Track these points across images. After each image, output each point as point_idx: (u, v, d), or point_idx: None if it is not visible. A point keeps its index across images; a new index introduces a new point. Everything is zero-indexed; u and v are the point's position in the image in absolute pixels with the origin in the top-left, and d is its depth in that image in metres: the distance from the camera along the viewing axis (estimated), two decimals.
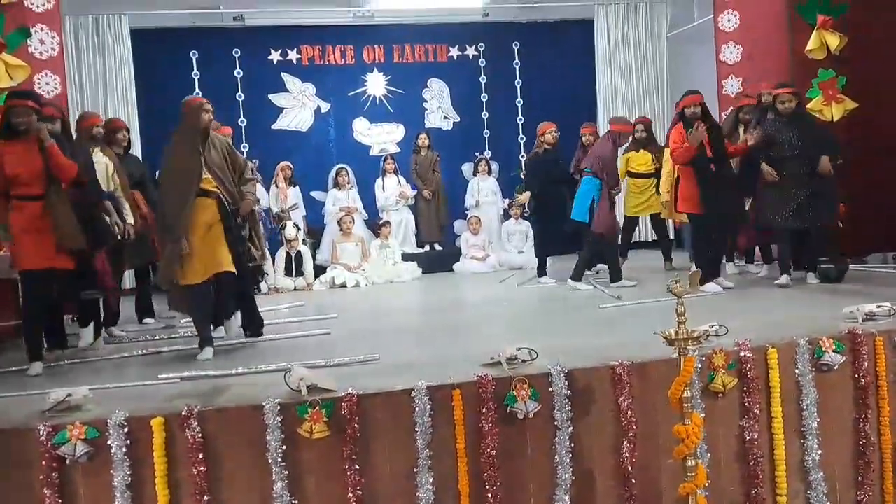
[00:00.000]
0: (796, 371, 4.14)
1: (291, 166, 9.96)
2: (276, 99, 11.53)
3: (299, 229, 9.47)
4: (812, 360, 4.16)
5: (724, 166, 6.64)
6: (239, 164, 5.38)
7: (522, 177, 8.90)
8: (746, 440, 4.04)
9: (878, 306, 4.56)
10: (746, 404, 4.04)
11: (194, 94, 10.71)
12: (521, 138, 12.33)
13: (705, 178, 6.55)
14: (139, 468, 3.49)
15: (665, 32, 11.99)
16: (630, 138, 8.36)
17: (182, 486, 3.53)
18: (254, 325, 5.63)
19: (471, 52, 12.16)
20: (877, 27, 7.26)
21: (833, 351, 4.17)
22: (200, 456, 3.49)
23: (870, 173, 6.87)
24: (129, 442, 3.46)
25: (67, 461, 3.44)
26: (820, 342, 4.18)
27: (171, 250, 5.03)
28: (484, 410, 3.69)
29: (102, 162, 6.19)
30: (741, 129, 7.27)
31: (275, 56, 11.48)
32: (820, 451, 4.13)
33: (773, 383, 4.09)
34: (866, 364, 4.23)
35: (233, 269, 5.14)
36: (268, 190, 9.64)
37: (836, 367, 4.19)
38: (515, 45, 12.29)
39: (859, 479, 4.26)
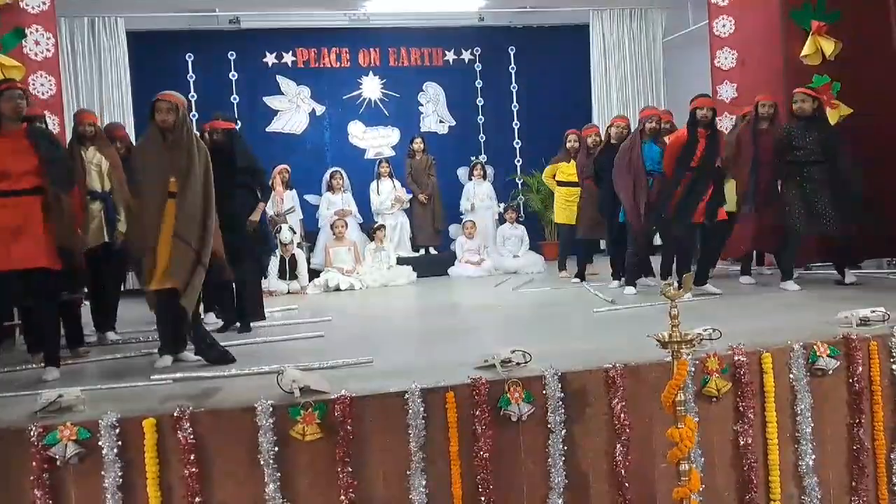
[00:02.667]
0: (791, 376, 4.13)
1: (289, 169, 9.94)
2: (271, 101, 11.54)
3: (295, 233, 9.45)
4: (806, 365, 4.15)
5: (702, 179, 6.62)
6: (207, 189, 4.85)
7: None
8: (741, 445, 4.04)
9: (873, 311, 4.54)
10: (741, 409, 4.04)
11: (187, 94, 10.76)
12: (517, 143, 12.35)
13: (677, 185, 6.58)
14: (131, 469, 3.47)
15: (660, 37, 12.00)
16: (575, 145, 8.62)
17: (174, 488, 3.51)
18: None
19: (466, 56, 12.18)
20: (871, 32, 7.27)
21: (827, 356, 4.17)
22: (192, 457, 3.47)
23: (864, 179, 6.88)
24: (120, 443, 3.44)
25: (58, 462, 3.42)
26: (814, 347, 4.18)
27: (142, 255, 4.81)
28: (477, 413, 3.68)
29: (95, 161, 6.11)
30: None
31: (270, 59, 11.49)
32: (814, 456, 4.13)
33: (767, 388, 4.08)
34: (861, 369, 4.23)
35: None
36: None
37: (831, 371, 4.19)
38: (511, 49, 12.32)
39: (853, 484, 4.25)
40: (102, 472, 3.43)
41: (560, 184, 9.12)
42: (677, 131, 6.96)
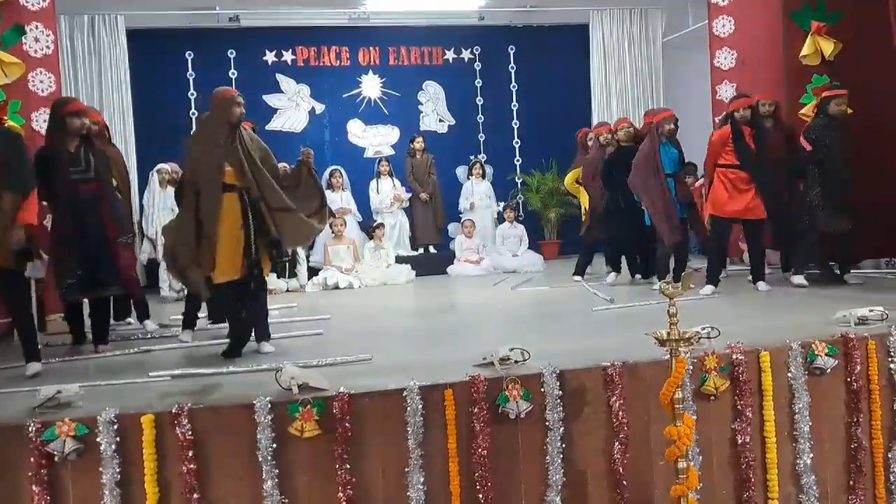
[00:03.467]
0: (789, 374, 4.13)
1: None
2: (271, 100, 11.54)
3: None
4: (805, 364, 4.15)
5: (764, 173, 6.66)
6: (271, 165, 5.13)
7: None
8: (738, 443, 4.04)
9: (871, 310, 4.55)
10: (739, 407, 4.04)
11: (187, 92, 10.75)
12: (517, 142, 12.35)
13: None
14: (129, 465, 3.47)
15: (660, 37, 12.03)
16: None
17: (172, 484, 3.50)
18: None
19: (466, 55, 12.19)
20: (871, 32, 7.26)
21: (826, 355, 4.17)
22: (190, 454, 3.46)
23: (863, 179, 6.88)
24: (118, 439, 3.43)
25: (56, 458, 3.41)
26: (813, 346, 4.18)
27: (198, 251, 4.82)
28: (476, 410, 3.68)
29: None
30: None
31: (270, 57, 11.50)
32: (812, 455, 4.13)
33: (765, 386, 4.08)
34: (859, 368, 4.23)
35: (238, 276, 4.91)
36: None
37: (829, 370, 4.19)
38: (511, 48, 12.33)
39: (851, 483, 4.25)
40: (101, 468, 3.42)
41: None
42: (720, 129, 6.99)
